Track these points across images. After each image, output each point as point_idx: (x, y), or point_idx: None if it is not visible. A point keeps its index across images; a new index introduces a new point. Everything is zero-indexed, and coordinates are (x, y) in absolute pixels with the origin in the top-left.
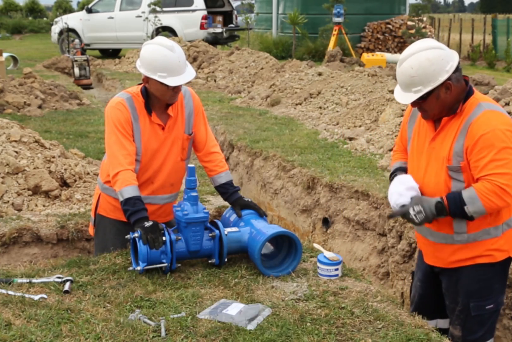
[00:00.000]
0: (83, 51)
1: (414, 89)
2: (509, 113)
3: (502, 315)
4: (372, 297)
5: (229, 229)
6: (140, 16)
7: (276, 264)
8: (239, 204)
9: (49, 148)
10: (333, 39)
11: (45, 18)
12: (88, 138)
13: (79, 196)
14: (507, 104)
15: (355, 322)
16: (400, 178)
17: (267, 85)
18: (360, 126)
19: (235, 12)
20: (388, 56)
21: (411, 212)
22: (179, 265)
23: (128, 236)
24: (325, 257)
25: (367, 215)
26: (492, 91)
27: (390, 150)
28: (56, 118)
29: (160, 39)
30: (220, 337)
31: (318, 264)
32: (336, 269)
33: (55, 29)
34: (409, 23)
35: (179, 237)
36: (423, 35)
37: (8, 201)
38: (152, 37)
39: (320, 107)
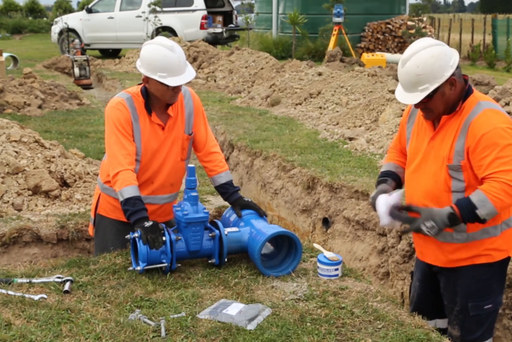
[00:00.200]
0: (83, 51)
1: (420, 87)
2: (509, 113)
3: (502, 315)
4: (372, 297)
5: (229, 229)
6: (140, 16)
7: (276, 264)
8: (239, 204)
9: (49, 148)
10: (333, 39)
11: (45, 18)
12: (88, 138)
13: (79, 196)
14: (507, 104)
15: (355, 322)
16: (380, 199)
17: (267, 85)
18: (360, 126)
19: (235, 12)
20: (388, 56)
21: (424, 228)
22: (179, 265)
23: (128, 236)
24: (325, 257)
25: (367, 215)
26: (492, 91)
27: None
28: (56, 118)
29: (160, 39)
30: (220, 337)
31: (318, 264)
32: (336, 269)
33: (55, 29)
34: (409, 23)
35: (179, 237)
36: (423, 35)
37: (8, 201)
38: (152, 37)
39: (320, 107)
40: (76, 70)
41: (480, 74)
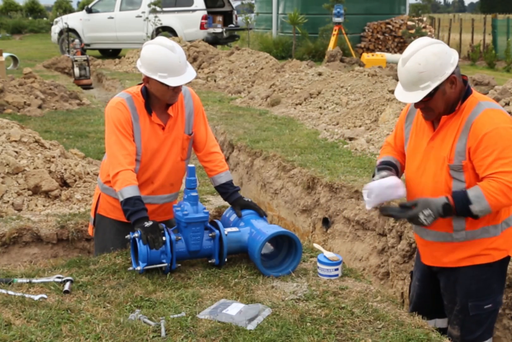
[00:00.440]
0: (83, 51)
1: (422, 85)
2: (509, 113)
3: (502, 315)
4: (372, 297)
5: (229, 229)
6: (140, 16)
7: (276, 264)
8: (239, 204)
9: (49, 148)
10: (333, 39)
11: (45, 18)
12: (88, 138)
13: (79, 196)
14: (507, 104)
15: (355, 322)
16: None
17: (267, 85)
18: (360, 126)
19: (235, 12)
20: (388, 56)
21: (421, 216)
22: (179, 265)
23: (128, 236)
24: (325, 257)
25: (367, 215)
26: (492, 91)
27: None
28: (56, 118)
29: (161, 39)
30: (220, 337)
31: (318, 264)
32: (336, 269)
33: (55, 29)
34: (409, 23)
35: (179, 237)
36: (423, 35)
37: (8, 201)
38: (152, 37)
39: (320, 107)
40: (76, 70)
41: (480, 74)
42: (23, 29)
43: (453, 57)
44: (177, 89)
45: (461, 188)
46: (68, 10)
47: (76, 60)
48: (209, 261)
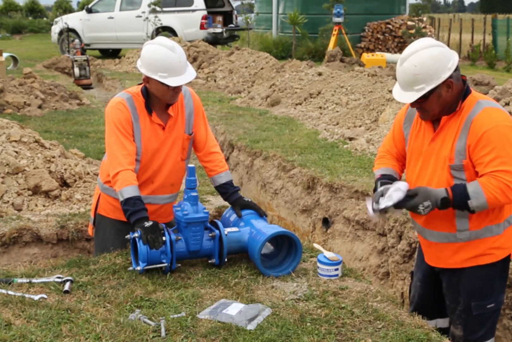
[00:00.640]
0: (83, 51)
1: (416, 87)
2: (509, 113)
3: (502, 315)
4: (372, 297)
5: (229, 229)
6: (140, 16)
7: (276, 264)
8: (239, 204)
9: (49, 148)
10: (333, 39)
11: (45, 18)
12: (88, 138)
13: (79, 196)
14: (507, 104)
15: (355, 322)
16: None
17: (267, 85)
18: (360, 126)
19: (235, 12)
20: (388, 56)
21: (420, 207)
22: (179, 265)
23: (128, 236)
24: (325, 257)
25: (367, 215)
26: (492, 91)
27: None
28: (56, 118)
29: (161, 39)
30: (220, 337)
31: (318, 264)
32: (336, 269)
33: (55, 29)
34: (409, 23)
35: (179, 237)
36: (423, 35)
37: (8, 201)
38: (152, 37)
39: (320, 107)
40: (76, 70)
41: (480, 74)
42: (23, 29)
43: (452, 61)
44: (177, 89)
45: None
46: (68, 10)
47: (76, 60)
48: (209, 261)
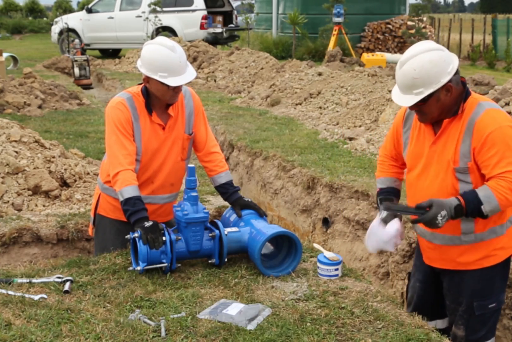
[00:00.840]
0: (83, 51)
1: (415, 91)
2: (509, 113)
3: (502, 315)
4: (372, 297)
5: (229, 229)
6: (140, 16)
7: (276, 264)
8: (239, 204)
9: (49, 148)
10: (333, 39)
11: (45, 18)
12: (88, 138)
13: (79, 196)
14: (507, 104)
15: (355, 322)
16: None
17: (267, 85)
18: (360, 126)
19: (235, 12)
20: (388, 56)
21: (439, 217)
22: (179, 265)
23: (128, 236)
24: (325, 257)
25: (367, 215)
26: (492, 91)
27: None
28: (56, 118)
29: (161, 39)
30: (220, 337)
31: (318, 264)
32: (336, 269)
33: (55, 29)
34: (409, 23)
35: (179, 237)
36: (423, 35)
37: (8, 201)
38: (152, 37)
39: (320, 107)
40: (76, 70)
41: (480, 74)
42: (23, 29)
43: (452, 65)
44: (177, 89)
45: (468, 189)
46: (68, 10)
47: (76, 60)
48: (209, 261)
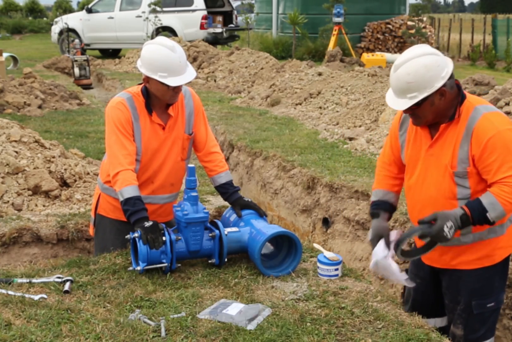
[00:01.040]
0: (83, 51)
1: (409, 95)
2: (509, 113)
3: (502, 315)
4: (372, 297)
5: (229, 229)
6: (140, 16)
7: (276, 264)
8: (239, 204)
9: (49, 148)
10: (333, 39)
11: (45, 18)
12: (88, 138)
13: (79, 196)
14: (507, 104)
15: (355, 322)
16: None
17: (267, 85)
18: (360, 126)
19: (235, 12)
20: (388, 56)
21: (446, 229)
22: (179, 265)
23: (128, 236)
24: (325, 257)
25: (367, 215)
26: (492, 91)
27: None
28: (56, 118)
29: (161, 39)
30: (220, 337)
31: (318, 264)
32: (336, 269)
33: (55, 29)
34: (409, 23)
35: (179, 237)
36: (423, 35)
37: (8, 201)
38: (152, 37)
39: (320, 107)
40: (76, 70)
41: (480, 74)
42: (23, 29)
43: (446, 70)
44: (177, 89)
45: (466, 193)
46: (68, 10)
47: (76, 60)
48: (209, 261)
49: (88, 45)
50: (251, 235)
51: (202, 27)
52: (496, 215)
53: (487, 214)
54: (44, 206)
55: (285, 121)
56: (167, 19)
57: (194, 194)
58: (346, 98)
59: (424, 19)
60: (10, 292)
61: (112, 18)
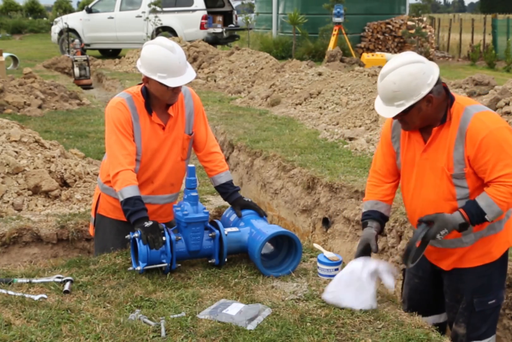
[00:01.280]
0: (83, 51)
1: (396, 103)
2: (509, 113)
3: (502, 315)
4: None
5: (229, 229)
6: (140, 16)
7: (276, 264)
8: (239, 204)
9: (49, 148)
10: (333, 39)
11: (45, 18)
12: (88, 138)
13: (79, 196)
14: (507, 104)
15: (355, 322)
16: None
17: (267, 85)
18: (360, 126)
19: (235, 12)
20: (388, 56)
21: (438, 236)
22: (179, 265)
23: (128, 236)
24: (325, 257)
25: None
26: (492, 91)
27: None
28: (56, 118)
29: (161, 39)
30: (220, 337)
31: (318, 264)
32: (336, 269)
33: (55, 29)
34: (409, 23)
35: (179, 237)
36: (423, 35)
37: (8, 201)
38: (152, 37)
39: (320, 107)
40: (76, 70)
41: (480, 74)
42: (23, 29)
43: (432, 77)
44: (176, 90)
45: (465, 193)
46: (68, 10)
47: (76, 60)
48: (209, 261)
49: (88, 45)
50: (251, 235)
51: (202, 27)
52: (494, 215)
53: (486, 216)
54: (44, 206)
55: (285, 121)
56: (167, 19)
57: (194, 194)
58: (346, 98)
59: (424, 19)
60: (10, 292)
61: (112, 18)
